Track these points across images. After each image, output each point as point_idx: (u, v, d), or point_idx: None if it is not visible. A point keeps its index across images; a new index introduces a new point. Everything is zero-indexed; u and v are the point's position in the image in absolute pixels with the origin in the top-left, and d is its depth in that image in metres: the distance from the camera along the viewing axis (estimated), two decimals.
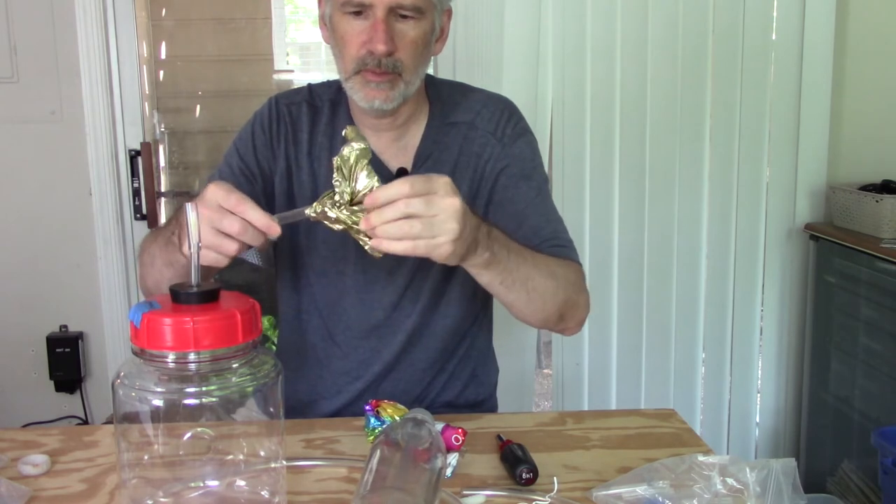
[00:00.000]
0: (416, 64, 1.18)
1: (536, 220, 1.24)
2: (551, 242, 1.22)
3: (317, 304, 1.32)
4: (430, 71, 1.29)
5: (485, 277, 1.07)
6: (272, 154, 1.28)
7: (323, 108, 1.30)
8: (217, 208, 0.92)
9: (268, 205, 1.28)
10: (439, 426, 1.05)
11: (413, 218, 0.91)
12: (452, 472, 1.03)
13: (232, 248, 0.94)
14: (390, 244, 0.92)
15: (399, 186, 0.91)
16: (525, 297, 1.12)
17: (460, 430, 1.05)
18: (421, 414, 1.03)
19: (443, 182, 0.93)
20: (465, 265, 1.03)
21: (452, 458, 1.03)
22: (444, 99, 1.30)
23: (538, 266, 1.12)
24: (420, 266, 1.28)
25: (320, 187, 1.27)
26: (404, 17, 1.15)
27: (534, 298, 1.12)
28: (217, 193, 0.93)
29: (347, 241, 1.26)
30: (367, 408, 1.12)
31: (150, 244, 1.16)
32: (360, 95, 1.19)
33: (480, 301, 1.36)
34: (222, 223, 0.92)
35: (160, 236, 1.13)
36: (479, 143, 1.27)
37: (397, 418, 1.08)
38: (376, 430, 1.09)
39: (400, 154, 1.27)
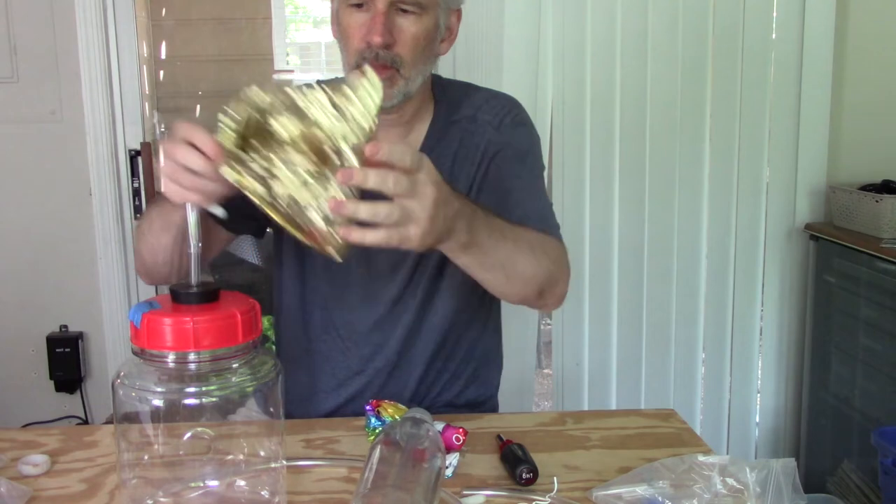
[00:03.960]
0: (416, 60, 1.18)
1: (520, 196, 1.23)
2: (533, 220, 1.20)
3: (319, 296, 1.32)
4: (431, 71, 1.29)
5: (462, 260, 1.04)
6: None
7: None
8: (181, 141, 0.91)
9: None
10: (440, 426, 1.05)
11: (393, 203, 0.86)
12: (453, 473, 1.03)
13: (189, 180, 0.91)
14: (363, 234, 0.87)
15: (403, 155, 0.86)
16: (503, 279, 1.09)
17: (461, 430, 1.05)
18: (420, 413, 1.03)
19: (427, 168, 0.88)
20: (440, 248, 0.98)
21: (453, 458, 1.03)
22: (450, 98, 1.31)
23: (519, 244, 1.09)
24: (420, 261, 1.28)
25: None
26: (405, 11, 1.15)
27: (513, 279, 1.10)
28: (183, 127, 0.91)
29: None
30: (368, 408, 1.12)
31: (149, 211, 1.17)
32: None
33: (479, 297, 1.35)
34: (176, 154, 0.91)
35: (157, 203, 1.13)
36: (478, 134, 1.28)
37: (398, 418, 1.08)
38: (377, 430, 1.10)
39: None
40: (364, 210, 0.85)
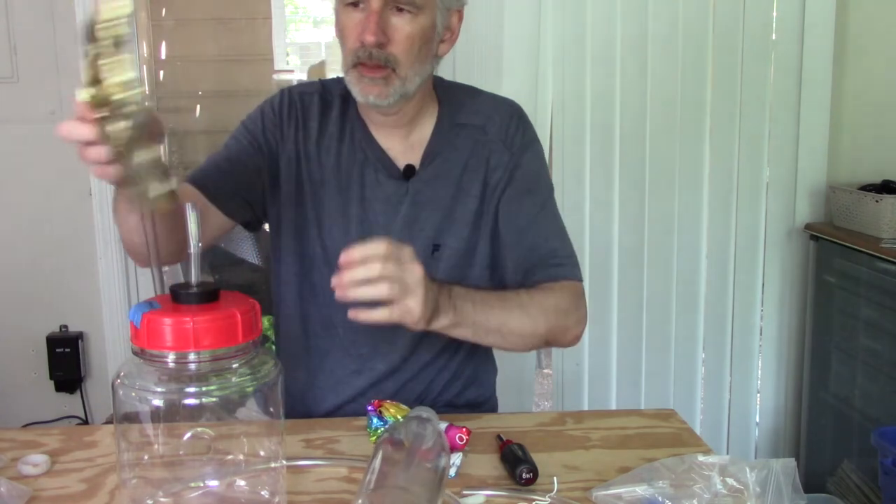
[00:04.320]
0: (412, 60, 1.17)
1: (535, 237, 1.26)
2: (547, 262, 1.25)
3: (319, 294, 1.32)
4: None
5: (457, 334, 1.12)
6: (281, 135, 1.29)
7: (334, 101, 1.31)
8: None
9: (271, 182, 1.29)
10: (443, 425, 1.05)
11: (387, 280, 0.96)
12: (457, 472, 1.03)
13: (90, 154, 0.89)
14: (369, 314, 0.99)
15: (377, 246, 0.96)
16: (501, 340, 1.18)
17: (464, 430, 1.05)
18: (426, 412, 1.03)
19: (408, 250, 0.99)
20: (434, 328, 1.08)
21: (456, 458, 1.03)
22: (453, 100, 1.31)
23: (509, 309, 1.16)
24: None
25: (327, 175, 1.28)
26: (401, 10, 1.15)
27: (511, 339, 1.18)
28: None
29: (351, 232, 1.26)
30: (370, 408, 1.12)
31: (114, 195, 1.13)
32: (356, 90, 1.19)
33: None
34: (62, 132, 0.89)
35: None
36: (488, 149, 1.28)
37: (400, 418, 1.08)
38: (379, 431, 1.09)
39: (408, 152, 1.28)
40: (363, 291, 0.97)
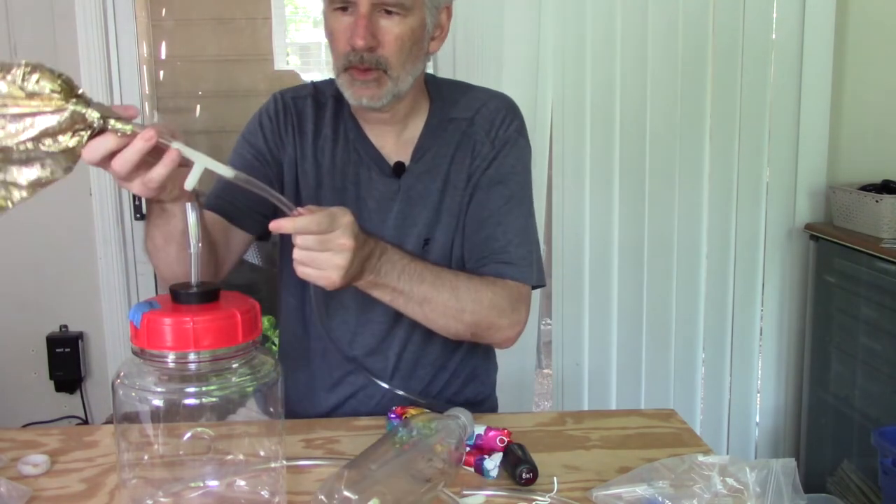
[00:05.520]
0: (403, 61, 1.18)
1: (493, 229, 1.25)
2: (497, 258, 1.24)
3: (319, 294, 1.32)
4: (431, 70, 1.29)
5: (374, 294, 1.12)
6: (280, 141, 1.30)
7: (327, 102, 1.31)
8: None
9: (281, 190, 1.29)
10: (481, 428, 1.05)
11: (308, 251, 1.00)
12: (498, 474, 1.03)
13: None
14: (297, 269, 1.01)
15: (305, 222, 0.97)
16: (421, 315, 1.17)
17: (505, 431, 1.05)
18: (463, 415, 1.03)
19: (344, 222, 0.99)
20: (354, 285, 1.09)
21: (497, 459, 1.03)
22: (445, 96, 1.31)
23: (439, 288, 1.15)
24: None
25: (324, 177, 1.29)
26: (389, 12, 1.15)
27: (432, 317, 1.17)
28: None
29: None
30: (393, 415, 1.12)
31: (146, 230, 1.13)
32: (348, 93, 1.20)
33: None
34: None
35: (148, 217, 1.10)
36: (473, 140, 1.29)
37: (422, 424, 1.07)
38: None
39: (400, 148, 1.28)
40: (294, 253, 1.01)
